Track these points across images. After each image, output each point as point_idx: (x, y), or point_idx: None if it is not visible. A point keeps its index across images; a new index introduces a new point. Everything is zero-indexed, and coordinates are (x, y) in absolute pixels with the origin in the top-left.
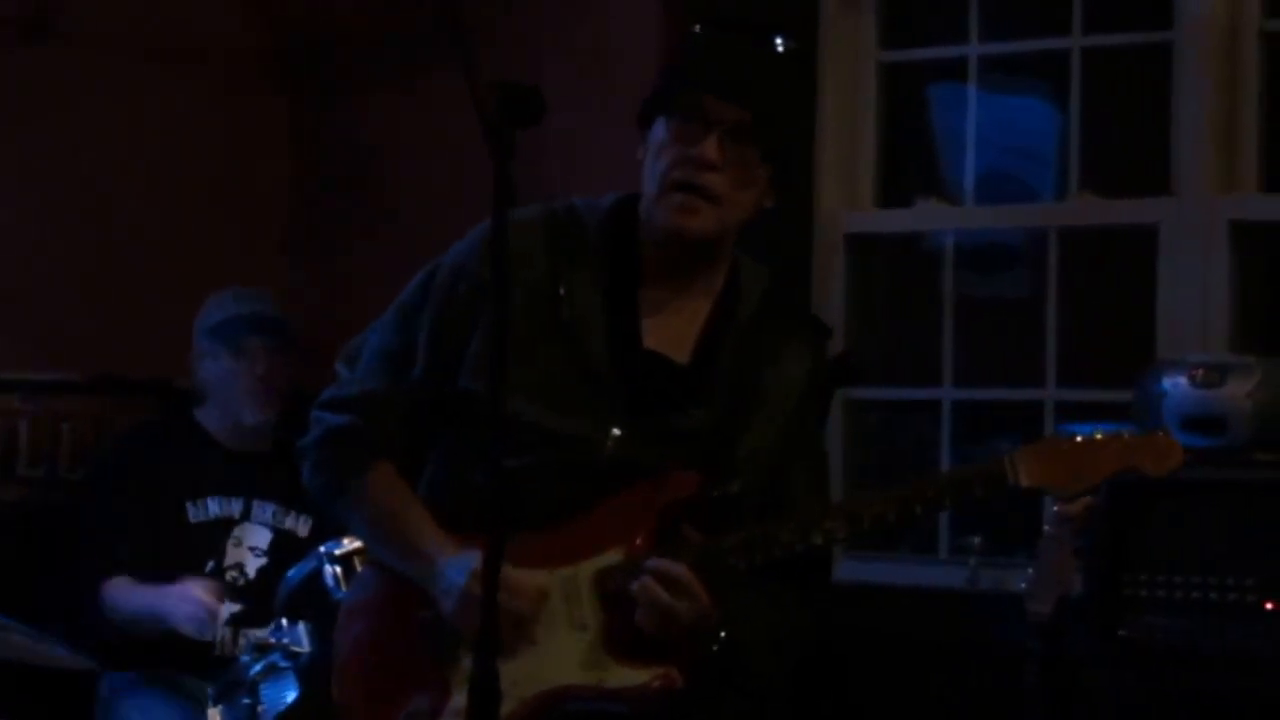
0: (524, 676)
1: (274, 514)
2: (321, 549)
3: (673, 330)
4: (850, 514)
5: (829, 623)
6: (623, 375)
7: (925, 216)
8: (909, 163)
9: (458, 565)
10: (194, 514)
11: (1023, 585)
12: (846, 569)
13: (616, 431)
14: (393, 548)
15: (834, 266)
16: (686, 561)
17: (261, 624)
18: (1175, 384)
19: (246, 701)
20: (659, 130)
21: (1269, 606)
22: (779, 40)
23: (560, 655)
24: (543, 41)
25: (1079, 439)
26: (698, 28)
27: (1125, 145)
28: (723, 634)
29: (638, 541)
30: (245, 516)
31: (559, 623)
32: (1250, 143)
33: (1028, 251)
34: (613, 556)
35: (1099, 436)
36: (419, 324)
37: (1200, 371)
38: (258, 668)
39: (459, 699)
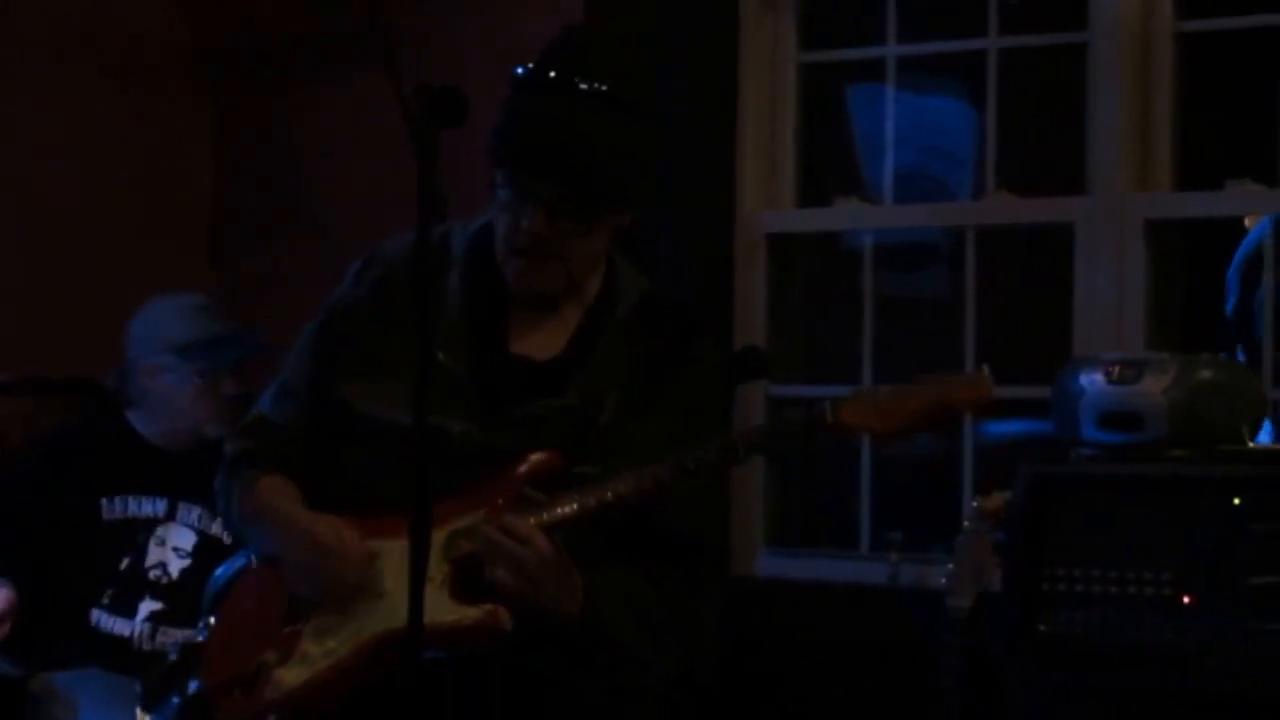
0: (364, 625)
1: (200, 517)
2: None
3: (542, 336)
4: (675, 463)
5: (736, 616)
6: (484, 378)
7: (845, 216)
8: (828, 163)
9: (304, 526)
10: (109, 512)
11: (943, 581)
12: (767, 564)
13: (470, 426)
14: (269, 536)
15: (755, 266)
16: (532, 518)
17: (182, 623)
18: (1092, 381)
19: (176, 700)
20: (500, 174)
21: (1186, 600)
22: (597, 87)
23: (397, 606)
24: (465, 40)
25: (896, 389)
26: (519, 77)
27: (1041, 145)
28: (588, 602)
29: (499, 502)
30: (170, 517)
31: (403, 581)
32: (1164, 142)
33: (946, 250)
34: (469, 520)
35: (913, 386)
36: (306, 353)
37: (1116, 368)
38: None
39: (305, 646)
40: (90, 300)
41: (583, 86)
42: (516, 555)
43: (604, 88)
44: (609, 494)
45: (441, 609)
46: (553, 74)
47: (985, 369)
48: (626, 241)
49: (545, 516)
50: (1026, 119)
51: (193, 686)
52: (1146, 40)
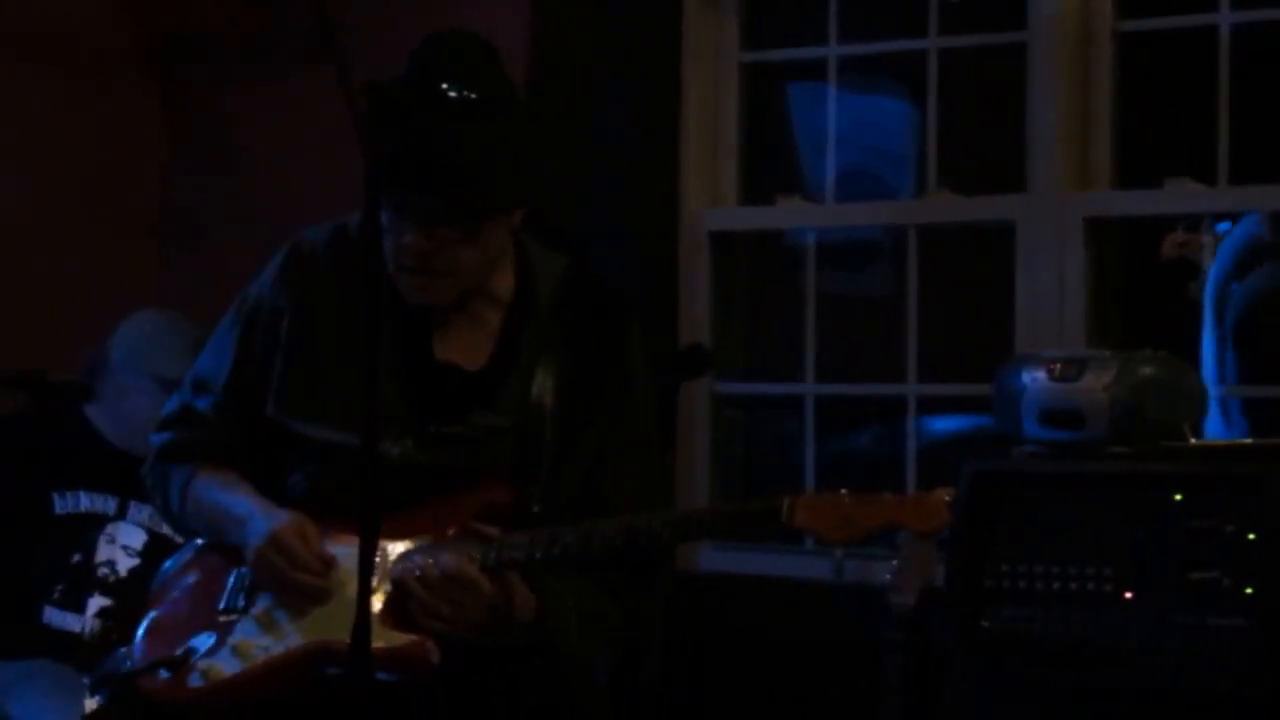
0: (302, 628)
1: (151, 516)
2: (198, 541)
3: (466, 340)
4: (629, 531)
5: (680, 611)
6: (412, 388)
7: (787, 214)
8: (771, 161)
9: (264, 519)
10: (60, 506)
11: (887, 577)
12: (710, 560)
13: (408, 443)
14: (219, 524)
15: (699, 264)
16: (475, 557)
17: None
18: (1034, 378)
19: (106, 671)
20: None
21: (1128, 596)
22: (466, 95)
23: (339, 617)
24: (410, 36)
25: (855, 498)
26: (395, 85)
27: (982, 144)
28: (541, 624)
29: (450, 533)
30: (120, 515)
31: (350, 589)
32: (1103, 140)
33: (888, 248)
34: (420, 543)
35: (880, 496)
36: (227, 349)
37: (1058, 366)
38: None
39: (240, 638)
40: (41, 296)
41: (452, 95)
42: (458, 602)
43: (474, 95)
44: (558, 548)
45: (374, 631)
46: (421, 82)
47: (948, 496)
48: (571, 240)
49: (495, 558)
50: (967, 118)
51: (124, 661)
52: (1086, 40)
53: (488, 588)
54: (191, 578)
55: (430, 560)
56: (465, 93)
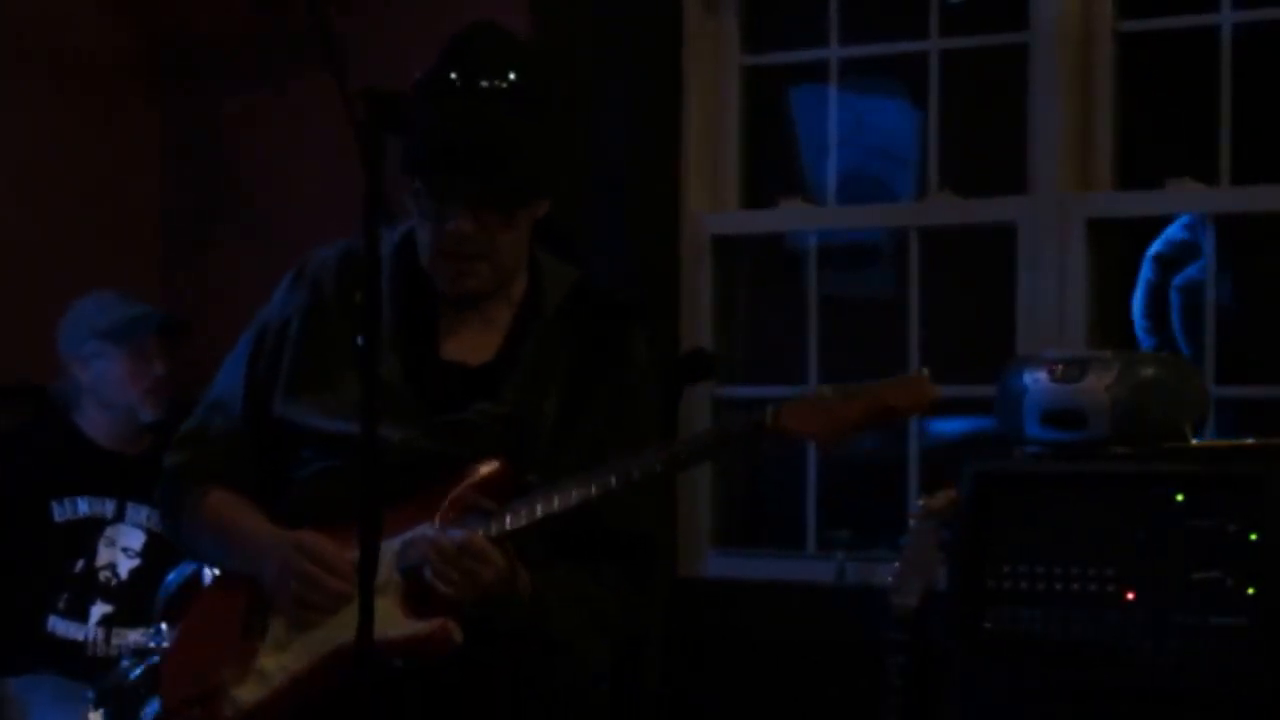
0: (320, 638)
1: (148, 516)
2: None
3: (473, 340)
4: (621, 473)
5: (682, 613)
6: (419, 386)
7: (789, 217)
8: (772, 164)
9: (280, 540)
10: (60, 514)
11: (889, 579)
12: (714, 564)
13: (411, 433)
14: (232, 550)
15: (700, 267)
16: (480, 529)
17: (133, 623)
18: (1035, 379)
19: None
20: (418, 183)
21: (1130, 596)
22: (498, 85)
23: (352, 620)
24: (408, 41)
25: (837, 391)
26: (422, 83)
27: (983, 145)
28: (535, 603)
29: (450, 514)
30: (119, 517)
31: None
32: (1105, 142)
33: (889, 250)
34: (421, 529)
35: (862, 384)
36: (239, 366)
37: (1060, 367)
38: (138, 671)
39: (261, 661)
40: (37, 307)
41: (484, 84)
42: (470, 571)
43: (505, 85)
44: (556, 504)
45: (394, 622)
46: (454, 76)
47: (925, 371)
48: (573, 244)
49: (496, 528)
50: (969, 120)
51: (152, 708)
52: (1087, 40)
53: (499, 558)
54: (206, 611)
55: (440, 533)
56: (498, 82)
